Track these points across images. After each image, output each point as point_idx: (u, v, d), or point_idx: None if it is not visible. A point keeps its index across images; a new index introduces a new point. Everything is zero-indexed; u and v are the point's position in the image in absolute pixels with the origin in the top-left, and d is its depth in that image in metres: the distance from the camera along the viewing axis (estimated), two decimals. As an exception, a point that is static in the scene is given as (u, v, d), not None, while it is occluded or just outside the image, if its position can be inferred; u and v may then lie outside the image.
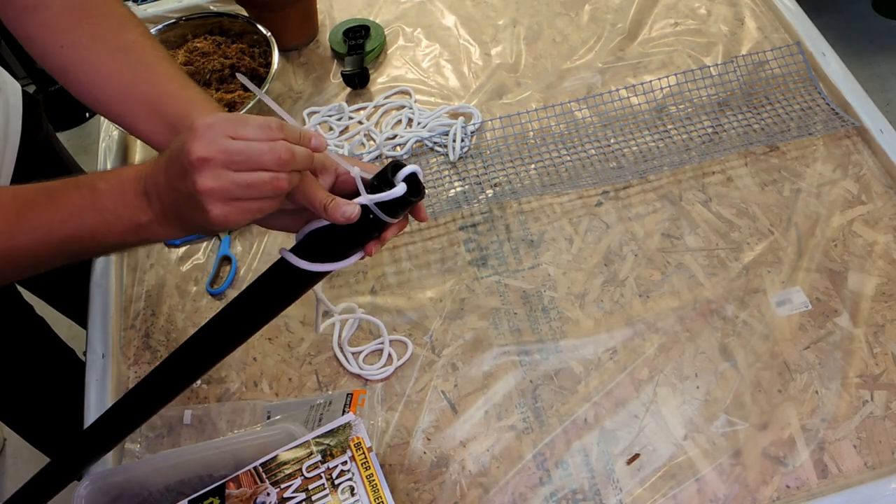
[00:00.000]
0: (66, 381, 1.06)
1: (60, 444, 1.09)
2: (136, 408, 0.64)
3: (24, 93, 0.91)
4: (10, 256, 0.53)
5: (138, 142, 1.05)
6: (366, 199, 0.55)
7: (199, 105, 0.63)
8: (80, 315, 1.09)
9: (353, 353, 0.81)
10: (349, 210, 0.54)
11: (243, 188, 0.50)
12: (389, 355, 0.80)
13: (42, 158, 0.94)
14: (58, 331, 1.10)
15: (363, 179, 0.56)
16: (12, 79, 0.89)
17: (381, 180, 0.56)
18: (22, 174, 0.86)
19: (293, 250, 0.58)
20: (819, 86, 0.98)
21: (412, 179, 0.56)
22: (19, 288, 1.00)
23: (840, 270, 0.83)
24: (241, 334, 0.63)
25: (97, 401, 0.80)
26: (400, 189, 0.55)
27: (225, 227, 0.52)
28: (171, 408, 0.79)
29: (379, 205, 0.56)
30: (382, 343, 0.81)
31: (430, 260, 0.88)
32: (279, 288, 0.61)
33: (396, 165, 0.56)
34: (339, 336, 0.82)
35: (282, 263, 0.59)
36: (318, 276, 0.60)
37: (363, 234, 0.58)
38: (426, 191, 0.90)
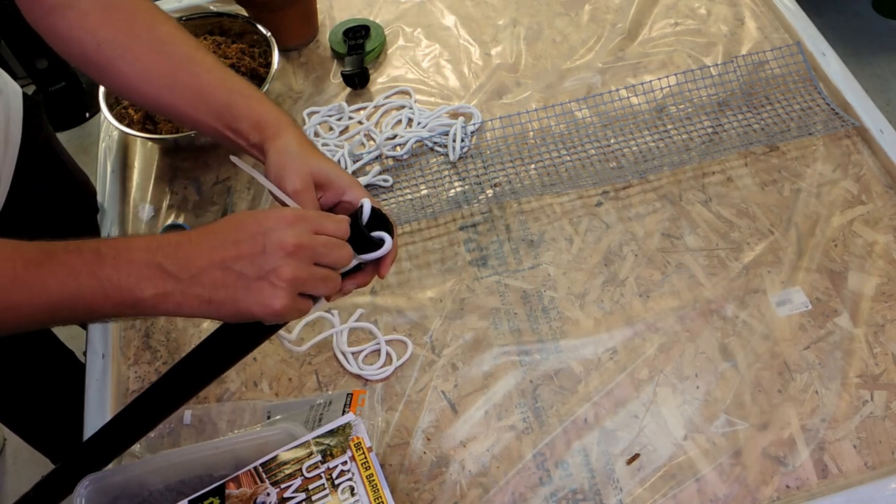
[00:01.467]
0: (65, 382, 1.06)
1: (60, 445, 1.09)
2: (119, 436, 0.65)
3: (25, 95, 0.91)
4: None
5: (138, 141, 1.05)
6: (356, 259, 0.58)
7: (242, 94, 0.65)
8: None
9: (352, 354, 0.81)
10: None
11: (318, 281, 0.53)
12: (388, 355, 0.80)
13: (42, 160, 0.94)
14: (57, 331, 1.10)
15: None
16: (12, 81, 0.89)
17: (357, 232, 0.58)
18: (22, 176, 0.86)
19: None
20: (819, 86, 0.98)
21: (379, 218, 0.59)
22: None
23: (840, 270, 0.83)
24: (206, 378, 0.64)
25: (97, 401, 0.80)
26: (387, 247, 0.58)
27: (273, 319, 0.52)
28: (171, 408, 0.80)
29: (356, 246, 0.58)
30: (379, 344, 0.81)
31: (430, 260, 0.88)
32: (239, 339, 0.61)
33: (360, 212, 0.58)
34: (338, 337, 0.82)
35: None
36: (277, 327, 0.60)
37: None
38: (427, 189, 0.90)
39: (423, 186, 0.95)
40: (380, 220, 0.59)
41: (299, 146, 0.62)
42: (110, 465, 0.76)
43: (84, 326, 0.88)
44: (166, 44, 0.65)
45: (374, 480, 0.64)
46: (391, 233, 0.59)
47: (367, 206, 0.58)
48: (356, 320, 0.83)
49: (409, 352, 0.80)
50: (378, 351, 0.81)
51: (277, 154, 0.62)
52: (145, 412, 0.63)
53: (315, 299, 0.55)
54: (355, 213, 0.59)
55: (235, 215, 0.53)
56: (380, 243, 0.58)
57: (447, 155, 0.97)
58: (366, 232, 0.57)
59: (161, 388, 0.62)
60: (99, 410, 0.79)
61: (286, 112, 0.67)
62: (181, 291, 0.50)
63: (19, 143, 0.87)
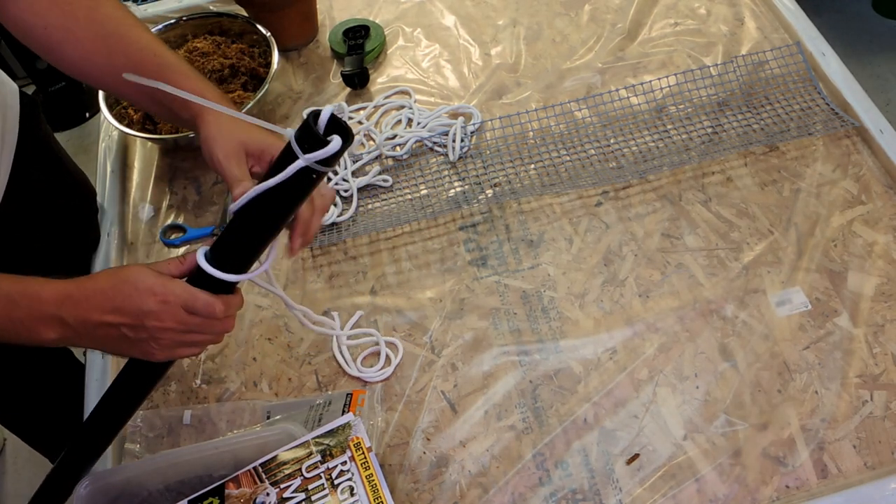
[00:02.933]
0: (65, 382, 1.06)
1: (60, 445, 1.09)
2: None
3: (22, 93, 0.91)
4: None
5: (138, 141, 1.05)
6: (304, 159, 0.54)
7: (173, 70, 0.67)
8: None
9: (352, 356, 0.81)
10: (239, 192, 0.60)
11: (189, 343, 0.62)
12: (388, 356, 0.80)
13: (40, 159, 0.94)
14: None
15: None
16: (9, 79, 0.89)
17: (308, 136, 0.54)
18: (20, 175, 0.86)
19: (212, 250, 0.61)
20: (819, 86, 0.98)
21: (334, 123, 0.55)
22: None
23: (840, 270, 0.83)
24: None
25: (97, 401, 0.80)
26: (336, 144, 0.54)
27: (156, 360, 0.63)
28: (172, 408, 0.80)
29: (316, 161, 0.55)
30: (378, 346, 0.81)
31: (429, 260, 0.88)
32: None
33: (315, 115, 0.54)
34: (338, 339, 0.82)
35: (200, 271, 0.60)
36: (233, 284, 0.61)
37: (300, 194, 0.58)
38: (427, 189, 0.90)
39: (422, 186, 0.95)
40: (338, 127, 0.55)
41: (230, 119, 0.65)
42: (110, 466, 0.76)
43: None
44: (104, 25, 0.68)
45: (373, 480, 0.64)
46: (348, 140, 0.55)
47: (325, 111, 0.54)
48: (355, 322, 0.83)
49: (401, 352, 0.80)
50: (378, 352, 0.81)
51: (207, 127, 0.65)
52: (85, 445, 0.69)
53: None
54: (306, 124, 0.54)
55: (125, 282, 0.59)
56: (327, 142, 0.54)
57: (447, 155, 0.97)
58: (319, 133, 0.54)
59: (93, 422, 0.69)
60: (99, 410, 0.79)
61: (217, 88, 0.70)
62: (78, 338, 0.60)
63: (16, 141, 0.87)
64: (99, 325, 0.59)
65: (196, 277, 0.61)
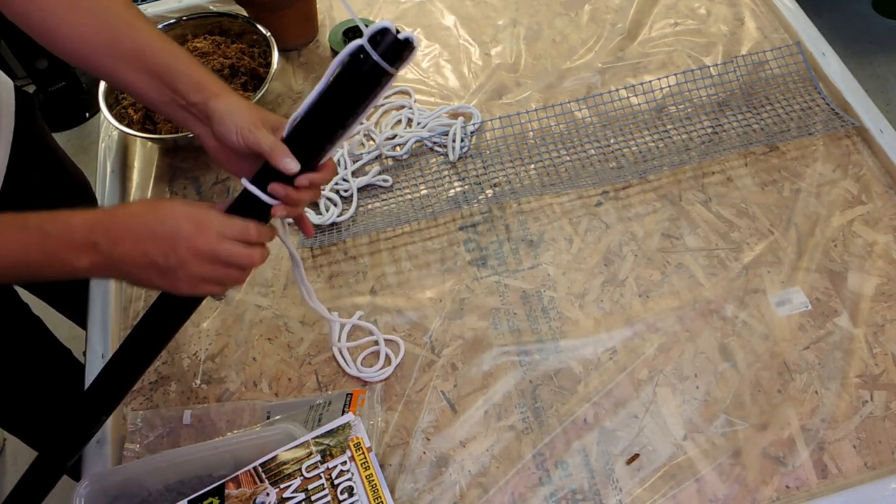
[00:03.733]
0: (64, 383, 1.06)
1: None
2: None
3: (17, 89, 0.90)
4: None
5: (138, 141, 1.05)
6: (363, 41, 0.56)
7: (181, 58, 0.67)
8: (79, 316, 1.09)
9: (351, 356, 0.81)
10: (290, 163, 0.61)
11: (215, 279, 0.61)
12: (387, 356, 0.80)
13: (36, 156, 0.94)
14: (58, 333, 1.10)
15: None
16: (5, 76, 0.89)
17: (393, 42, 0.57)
18: (16, 172, 0.86)
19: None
20: (819, 86, 0.98)
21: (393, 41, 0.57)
22: (16, 287, 1.00)
23: (840, 270, 0.83)
24: None
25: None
26: (408, 32, 0.57)
27: (183, 295, 0.63)
28: (172, 408, 0.79)
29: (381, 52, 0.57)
30: (378, 345, 0.81)
31: (429, 260, 0.88)
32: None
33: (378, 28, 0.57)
34: (338, 339, 0.82)
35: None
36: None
37: (363, 97, 0.60)
38: (427, 189, 0.90)
39: (422, 186, 0.95)
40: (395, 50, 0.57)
41: (247, 102, 0.66)
42: (109, 466, 0.76)
43: (85, 302, 0.88)
44: (107, 10, 0.67)
45: (373, 480, 0.64)
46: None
47: (389, 25, 0.57)
48: (356, 321, 0.83)
49: (402, 351, 0.80)
50: (377, 352, 0.81)
51: (224, 104, 0.65)
52: (113, 380, 0.69)
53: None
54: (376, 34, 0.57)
55: (161, 206, 0.60)
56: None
57: (447, 155, 0.97)
58: (397, 37, 0.56)
59: (121, 356, 0.68)
60: (98, 410, 0.79)
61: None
62: (110, 265, 0.59)
63: (12, 137, 0.87)
64: (130, 252, 0.58)
65: (233, 207, 0.63)
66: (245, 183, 0.62)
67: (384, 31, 0.56)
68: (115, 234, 0.58)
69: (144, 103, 0.70)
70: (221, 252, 0.60)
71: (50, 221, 0.58)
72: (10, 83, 0.89)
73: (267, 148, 0.61)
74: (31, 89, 2.30)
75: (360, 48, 0.57)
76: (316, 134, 0.61)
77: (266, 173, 0.62)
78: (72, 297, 1.03)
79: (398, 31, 0.57)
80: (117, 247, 0.58)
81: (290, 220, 0.68)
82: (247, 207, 0.63)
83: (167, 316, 0.67)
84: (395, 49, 0.56)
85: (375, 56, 0.56)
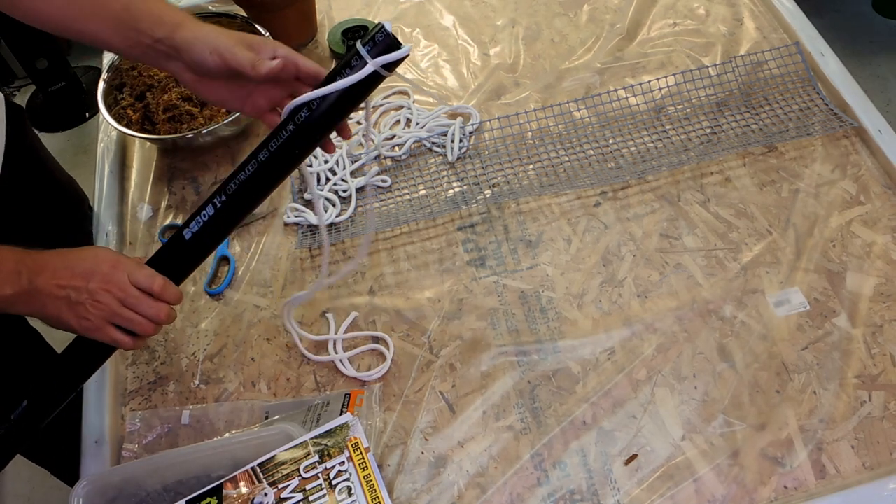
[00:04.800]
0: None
1: (59, 448, 1.08)
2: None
3: (7, 101, 0.90)
4: None
5: (137, 142, 1.05)
6: (373, 63, 0.60)
7: (164, 10, 0.67)
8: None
9: (348, 358, 0.81)
10: (268, 65, 0.62)
11: (123, 321, 0.65)
12: (383, 355, 0.80)
13: (27, 167, 0.94)
14: (56, 335, 1.10)
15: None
16: None
17: (384, 41, 0.61)
18: (7, 183, 0.86)
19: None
20: (818, 86, 0.98)
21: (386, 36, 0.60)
22: None
23: (838, 271, 0.83)
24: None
25: (95, 402, 0.80)
26: (406, 49, 0.60)
27: (89, 335, 0.65)
28: (170, 408, 0.80)
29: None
30: (377, 345, 0.81)
31: (428, 260, 0.88)
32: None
33: (382, 27, 0.60)
34: (335, 342, 0.82)
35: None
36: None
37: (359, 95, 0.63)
38: (425, 189, 0.90)
39: (421, 187, 0.95)
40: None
41: (214, 26, 0.65)
42: (108, 466, 0.76)
43: None
44: None
45: (371, 481, 0.64)
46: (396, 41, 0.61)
47: (388, 25, 0.60)
48: (352, 322, 0.83)
49: (392, 348, 0.80)
50: (375, 351, 0.81)
51: (197, 32, 0.64)
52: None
53: (133, 334, 0.66)
54: (381, 29, 0.60)
55: (86, 249, 0.65)
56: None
57: (445, 155, 0.97)
58: (398, 42, 0.60)
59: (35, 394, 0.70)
60: (97, 411, 0.79)
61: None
62: (28, 295, 0.62)
63: (3, 150, 0.87)
64: (47, 281, 0.62)
65: (154, 257, 0.68)
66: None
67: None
68: (38, 266, 0.62)
69: (113, 52, 0.70)
70: (129, 295, 0.64)
71: None
72: (0, 97, 0.89)
73: (248, 63, 0.62)
74: (31, 89, 2.30)
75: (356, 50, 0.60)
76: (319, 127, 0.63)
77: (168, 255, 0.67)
78: None
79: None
80: (37, 277, 0.62)
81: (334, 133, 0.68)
82: (165, 261, 0.68)
83: (79, 362, 0.69)
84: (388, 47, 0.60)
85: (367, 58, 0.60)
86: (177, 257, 0.68)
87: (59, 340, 1.11)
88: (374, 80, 0.61)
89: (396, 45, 0.60)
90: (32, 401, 0.69)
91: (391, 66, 0.61)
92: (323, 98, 0.61)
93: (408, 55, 0.61)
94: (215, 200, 0.66)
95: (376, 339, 0.82)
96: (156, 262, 0.68)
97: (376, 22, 0.61)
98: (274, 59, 0.64)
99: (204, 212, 0.66)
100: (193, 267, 0.70)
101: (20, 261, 0.62)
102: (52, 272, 0.62)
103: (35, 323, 1.04)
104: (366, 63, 0.60)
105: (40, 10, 0.67)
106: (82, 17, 0.66)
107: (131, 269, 0.64)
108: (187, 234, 0.66)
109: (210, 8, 1.13)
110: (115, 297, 0.63)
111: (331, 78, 0.62)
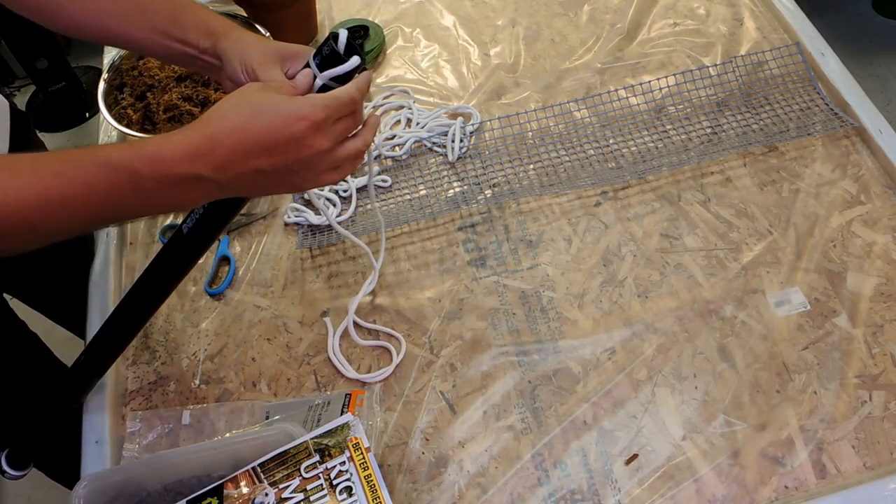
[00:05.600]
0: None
1: (59, 451, 1.08)
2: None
3: (12, 107, 0.90)
4: (32, 226, 0.50)
5: (137, 142, 1.05)
6: (321, 77, 0.58)
7: (184, 5, 0.66)
8: (74, 322, 1.08)
9: (347, 358, 0.81)
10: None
11: (341, 159, 0.57)
12: (386, 356, 0.80)
13: None
14: (54, 334, 1.10)
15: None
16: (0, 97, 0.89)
17: (330, 54, 0.58)
18: None
19: None
20: (818, 86, 0.98)
21: (350, 46, 0.59)
22: (11, 305, 0.99)
23: (839, 271, 0.83)
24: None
25: (96, 402, 0.80)
26: (353, 61, 0.57)
27: (302, 190, 0.60)
28: (170, 408, 0.80)
29: (333, 77, 0.58)
30: (377, 345, 0.81)
31: (428, 260, 0.88)
32: None
33: (334, 37, 0.58)
34: (334, 343, 0.82)
35: None
36: None
37: None
38: (426, 189, 0.90)
39: (421, 187, 0.95)
40: (353, 50, 0.59)
41: (255, 36, 0.64)
42: (108, 466, 0.76)
43: (81, 322, 0.88)
44: None
45: (372, 481, 0.64)
46: (363, 59, 0.59)
47: (342, 36, 0.58)
48: (352, 322, 0.83)
49: (404, 350, 0.80)
50: (375, 352, 0.81)
51: (235, 43, 0.63)
52: (153, 282, 0.67)
53: None
54: (328, 40, 0.59)
55: (261, 109, 0.53)
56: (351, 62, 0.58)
57: (446, 155, 0.97)
58: (342, 57, 0.58)
59: (168, 251, 0.66)
60: (98, 412, 0.79)
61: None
62: (219, 190, 0.54)
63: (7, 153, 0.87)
64: (243, 173, 0.53)
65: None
66: (312, 64, 0.59)
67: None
68: (221, 158, 0.52)
69: (159, 59, 0.69)
70: (339, 134, 0.56)
71: (137, 157, 0.51)
72: (4, 102, 0.89)
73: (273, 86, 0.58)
74: (31, 89, 2.31)
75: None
76: None
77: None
78: (66, 305, 1.02)
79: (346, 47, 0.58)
80: (225, 171, 0.52)
81: None
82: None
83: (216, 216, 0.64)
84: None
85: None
86: (177, 251, 0.67)
87: (58, 342, 1.11)
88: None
89: (343, 58, 0.58)
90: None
91: (343, 79, 0.58)
92: None
93: (357, 66, 0.58)
94: None
95: (390, 338, 0.82)
96: (158, 258, 0.67)
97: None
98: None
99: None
100: (195, 259, 0.68)
101: (193, 161, 0.51)
102: (243, 156, 0.52)
103: (34, 326, 1.05)
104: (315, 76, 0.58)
105: (83, 20, 0.66)
106: (126, 27, 0.65)
107: (329, 107, 0.54)
108: (185, 228, 0.65)
109: (210, 8, 1.13)
110: (329, 152, 0.55)
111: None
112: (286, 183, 0.56)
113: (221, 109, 0.53)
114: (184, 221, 0.65)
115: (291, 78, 0.61)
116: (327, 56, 0.58)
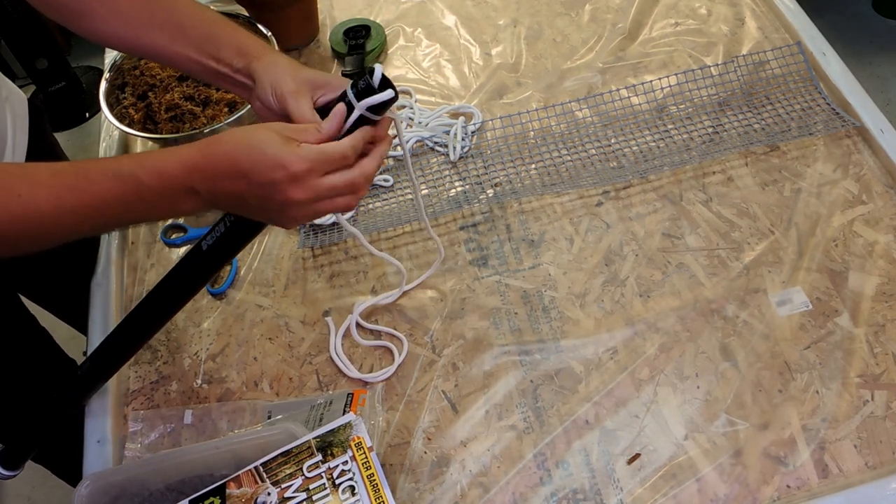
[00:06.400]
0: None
1: (59, 450, 1.08)
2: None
3: (29, 102, 0.90)
4: (47, 231, 0.56)
5: (138, 141, 1.05)
6: (359, 108, 0.59)
7: (221, 24, 0.67)
8: (78, 320, 1.08)
9: (349, 358, 0.81)
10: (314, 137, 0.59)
11: (323, 212, 0.59)
12: (388, 356, 0.80)
13: None
14: (57, 333, 1.10)
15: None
16: (17, 88, 0.89)
17: (365, 88, 0.59)
18: None
19: None
20: (819, 86, 0.98)
21: (385, 79, 0.59)
22: (23, 299, 1.00)
23: (840, 270, 0.83)
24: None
25: (98, 401, 0.80)
26: (388, 93, 0.58)
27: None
28: (173, 408, 0.80)
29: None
30: (378, 345, 0.81)
31: (430, 260, 0.88)
32: None
33: (370, 71, 0.59)
34: (336, 343, 0.82)
35: None
36: None
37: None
38: (427, 189, 0.90)
39: (423, 186, 0.95)
40: (388, 85, 0.60)
41: (288, 61, 0.65)
42: (111, 466, 0.76)
43: (86, 320, 0.88)
44: None
45: (374, 480, 0.64)
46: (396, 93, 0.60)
47: (377, 70, 0.59)
48: (354, 322, 0.83)
49: (406, 350, 0.80)
50: (377, 351, 0.81)
51: (268, 66, 0.64)
52: (171, 288, 0.69)
53: None
54: (364, 77, 0.59)
55: (253, 145, 0.56)
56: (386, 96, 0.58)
57: (448, 155, 0.97)
58: (375, 90, 0.58)
59: (184, 264, 0.67)
60: (100, 411, 0.79)
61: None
62: (209, 204, 0.59)
63: (26, 150, 0.87)
64: (229, 195, 0.57)
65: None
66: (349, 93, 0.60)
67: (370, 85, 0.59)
68: (212, 180, 0.56)
69: (189, 75, 0.70)
70: (322, 191, 0.57)
71: (142, 169, 0.56)
72: (22, 95, 0.89)
73: (295, 116, 0.60)
74: (31, 89, 2.30)
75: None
76: None
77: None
78: (72, 302, 1.03)
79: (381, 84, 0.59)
80: (215, 190, 0.57)
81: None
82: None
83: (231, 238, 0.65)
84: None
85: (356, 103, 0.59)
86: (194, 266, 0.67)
87: (61, 340, 1.12)
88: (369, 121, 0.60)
89: (383, 88, 0.58)
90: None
91: (379, 110, 0.59)
92: None
93: (391, 99, 0.58)
94: (226, 219, 0.65)
95: (391, 338, 0.82)
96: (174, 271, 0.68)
97: (370, 66, 0.60)
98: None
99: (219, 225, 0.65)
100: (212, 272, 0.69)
101: (189, 175, 0.56)
102: (227, 180, 0.56)
103: (44, 321, 1.05)
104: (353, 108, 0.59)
105: (117, 28, 0.67)
106: (162, 40, 0.67)
107: (313, 163, 0.56)
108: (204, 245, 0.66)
109: (212, 8, 1.13)
110: (308, 203, 0.57)
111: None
112: (265, 216, 0.60)
113: (225, 135, 0.57)
114: (203, 238, 0.65)
115: (319, 108, 0.62)
116: (362, 90, 0.58)
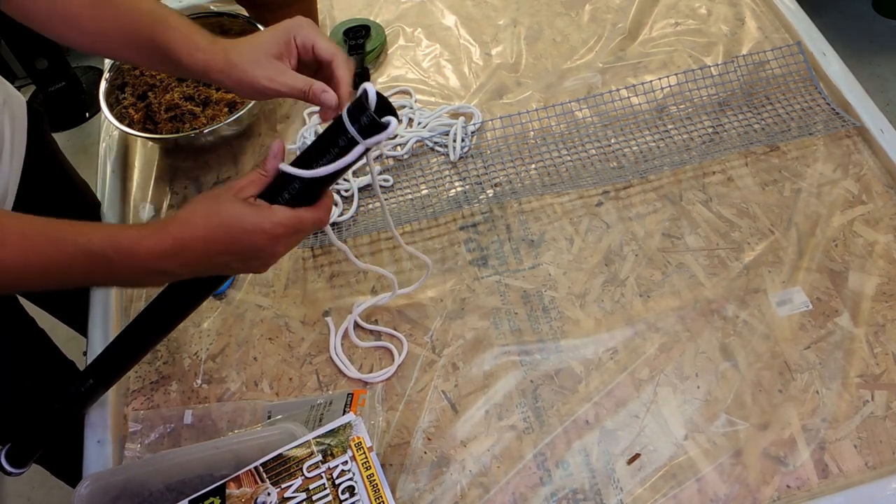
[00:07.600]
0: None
1: (59, 450, 1.08)
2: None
3: (28, 104, 0.90)
4: (11, 284, 0.60)
5: (138, 141, 1.05)
6: (363, 144, 0.59)
7: (168, 25, 0.67)
8: (77, 322, 1.08)
9: (349, 358, 0.81)
10: (329, 97, 0.63)
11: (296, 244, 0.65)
12: (388, 356, 0.80)
13: (47, 170, 0.94)
14: (56, 335, 1.10)
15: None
16: (16, 91, 0.89)
17: (359, 108, 0.59)
18: (28, 186, 0.86)
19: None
20: (819, 86, 0.98)
21: (382, 100, 0.60)
22: (22, 300, 0.99)
23: (840, 270, 0.83)
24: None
25: (98, 402, 0.80)
26: (394, 126, 0.59)
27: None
28: (172, 408, 0.80)
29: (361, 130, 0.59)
30: (378, 345, 0.81)
31: (431, 260, 0.88)
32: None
33: (365, 96, 0.58)
34: (336, 343, 0.82)
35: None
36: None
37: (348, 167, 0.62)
38: (427, 189, 0.90)
39: (423, 186, 0.95)
40: (384, 104, 0.60)
41: (253, 42, 0.67)
42: (110, 466, 0.76)
43: (85, 321, 0.88)
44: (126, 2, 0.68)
45: (374, 480, 0.64)
46: (395, 115, 0.60)
47: (371, 91, 0.59)
48: (353, 322, 0.83)
49: (405, 351, 0.80)
50: (377, 352, 0.81)
51: (234, 51, 0.66)
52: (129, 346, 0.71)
53: None
54: (360, 100, 0.59)
55: (227, 223, 0.59)
56: (386, 125, 0.58)
57: (447, 155, 0.97)
58: (375, 117, 0.58)
59: (142, 321, 0.70)
60: (100, 411, 0.79)
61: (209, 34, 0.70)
62: (182, 278, 0.63)
63: (24, 153, 0.87)
64: (205, 268, 0.61)
65: (278, 185, 0.62)
66: (286, 168, 0.61)
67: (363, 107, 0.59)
68: (186, 259, 0.59)
69: (153, 69, 0.72)
70: (297, 241, 0.63)
71: (114, 251, 0.57)
72: (21, 98, 0.89)
73: (303, 87, 0.63)
74: (31, 89, 2.30)
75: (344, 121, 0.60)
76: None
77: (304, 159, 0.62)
78: (71, 305, 1.03)
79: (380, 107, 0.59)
80: (187, 267, 0.60)
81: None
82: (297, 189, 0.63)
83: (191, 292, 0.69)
84: (373, 125, 0.58)
85: (351, 129, 0.59)
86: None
87: (59, 342, 1.11)
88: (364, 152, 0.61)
89: (383, 126, 0.58)
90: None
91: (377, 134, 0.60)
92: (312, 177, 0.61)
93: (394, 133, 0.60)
94: None
95: (391, 338, 0.82)
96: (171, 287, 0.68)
97: (363, 86, 0.59)
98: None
99: None
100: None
101: (160, 259, 0.58)
102: (207, 257, 0.59)
103: (43, 323, 1.05)
104: (356, 143, 0.59)
105: (74, 39, 0.69)
106: (117, 47, 0.69)
107: (292, 226, 0.60)
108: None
109: (211, 7, 1.13)
110: (283, 252, 0.62)
111: (319, 149, 0.61)
112: (245, 269, 0.64)
113: (193, 216, 0.59)
114: None
115: (295, 68, 0.66)
116: (357, 114, 0.58)
